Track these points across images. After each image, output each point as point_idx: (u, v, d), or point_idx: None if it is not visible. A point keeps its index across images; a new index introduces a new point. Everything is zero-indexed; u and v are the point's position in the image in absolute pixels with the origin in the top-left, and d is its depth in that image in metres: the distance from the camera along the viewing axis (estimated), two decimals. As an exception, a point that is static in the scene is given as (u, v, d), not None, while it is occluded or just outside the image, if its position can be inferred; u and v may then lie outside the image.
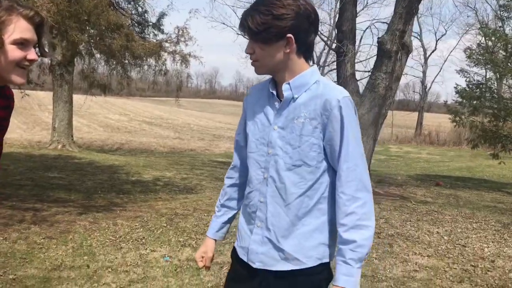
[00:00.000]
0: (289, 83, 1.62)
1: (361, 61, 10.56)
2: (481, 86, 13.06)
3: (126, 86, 7.69)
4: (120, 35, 6.16)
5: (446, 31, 56.69)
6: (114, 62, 6.87)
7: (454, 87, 13.17)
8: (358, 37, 10.22)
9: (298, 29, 1.56)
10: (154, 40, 7.69)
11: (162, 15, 7.93)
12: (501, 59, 12.56)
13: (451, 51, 75.12)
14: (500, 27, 14.36)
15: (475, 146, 13.02)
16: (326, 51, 18.19)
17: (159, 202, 7.23)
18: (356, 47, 10.00)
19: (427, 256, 4.87)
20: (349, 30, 9.52)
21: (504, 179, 14.22)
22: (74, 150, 14.27)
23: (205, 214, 6.18)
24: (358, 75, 10.21)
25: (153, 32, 7.80)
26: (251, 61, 1.66)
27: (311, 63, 1.69)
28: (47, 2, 5.52)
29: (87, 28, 6.20)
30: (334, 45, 11.94)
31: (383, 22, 12.66)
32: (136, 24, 7.57)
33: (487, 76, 16.02)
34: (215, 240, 1.97)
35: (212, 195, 7.94)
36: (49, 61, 12.17)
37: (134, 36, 6.53)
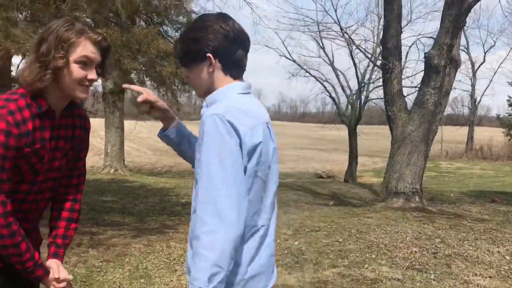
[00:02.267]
0: (206, 99, 1.65)
1: (408, 77, 10.42)
2: (536, 97, 12.55)
3: (176, 111, 7.92)
4: (170, 62, 6.38)
5: (494, 42, 54.51)
6: (164, 89, 7.11)
7: (507, 100, 12.74)
8: (403, 53, 10.07)
9: (217, 48, 1.58)
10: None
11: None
12: (556, 68, 12.05)
13: (501, 62, 72.41)
14: (553, 35, 13.80)
15: (532, 160, 12.46)
16: (370, 68, 18.00)
17: (209, 224, 7.31)
18: (402, 63, 9.87)
19: (489, 277, 4.67)
20: (394, 46, 9.44)
21: None
22: (126, 174, 14.72)
23: (256, 236, 6.19)
24: (405, 91, 10.04)
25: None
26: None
27: (242, 79, 1.67)
28: (100, 32, 5.79)
29: (138, 56, 6.45)
30: (379, 62, 11.82)
31: (429, 37, 12.44)
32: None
33: (542, 87, 15.36)
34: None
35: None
36: (102, 90, 12.72)
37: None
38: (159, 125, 1.94)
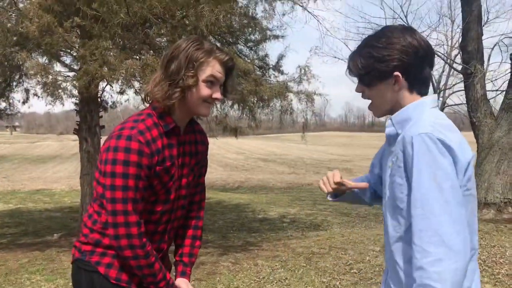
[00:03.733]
0: (391, 119, 1.53)
1: (491, 81, 9.85)
2: None
3: (255, 127, 8.01)
4: (248, 81, 6.45)
5: None
6: (241, 106, 7.21)
7: None
8: (484, 56, 9.56)
9: (406, 66, 1.48)
10: (275, 81, 7.91)
11: (281, 57, 8.16)
12: None
13: None
14: None
15: None
16: (445, 73, 17.22)
17: (292, 240, 7.24)
18: (485, 66, 9.37)
19: None
20: (476, 49, 8.99)
21: None
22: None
23: (343, 253, 6.04)
24: (488, 95, 9.50)
25: (274, 74, 8.05)
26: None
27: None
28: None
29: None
30: (458, 67, 11.33)
31: (512, 37, 11.75)
32: (257, 68, 7.87)
33: None
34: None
35: (344, 233, 7.77)
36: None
37: (262, 80, 6.82)
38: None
